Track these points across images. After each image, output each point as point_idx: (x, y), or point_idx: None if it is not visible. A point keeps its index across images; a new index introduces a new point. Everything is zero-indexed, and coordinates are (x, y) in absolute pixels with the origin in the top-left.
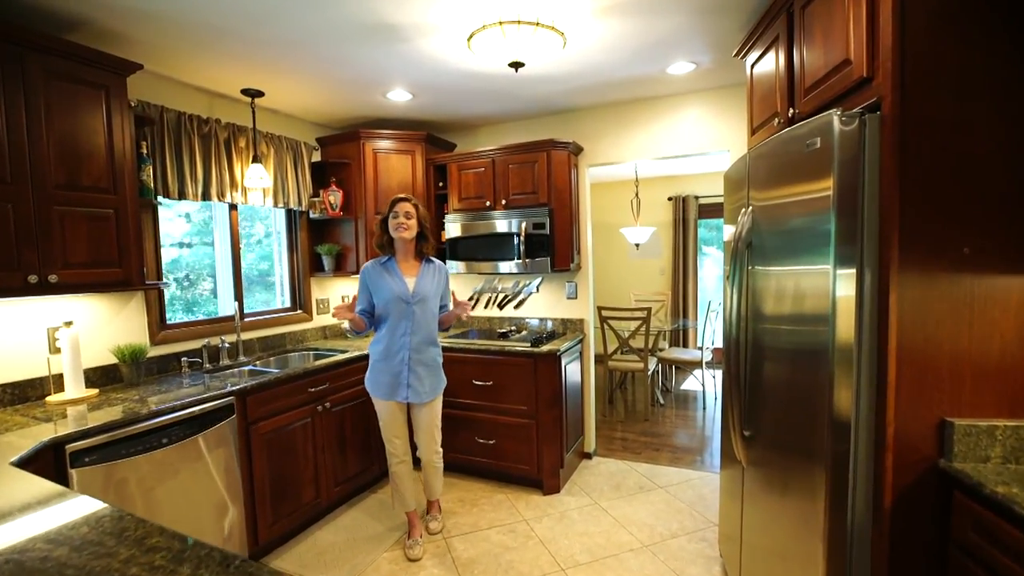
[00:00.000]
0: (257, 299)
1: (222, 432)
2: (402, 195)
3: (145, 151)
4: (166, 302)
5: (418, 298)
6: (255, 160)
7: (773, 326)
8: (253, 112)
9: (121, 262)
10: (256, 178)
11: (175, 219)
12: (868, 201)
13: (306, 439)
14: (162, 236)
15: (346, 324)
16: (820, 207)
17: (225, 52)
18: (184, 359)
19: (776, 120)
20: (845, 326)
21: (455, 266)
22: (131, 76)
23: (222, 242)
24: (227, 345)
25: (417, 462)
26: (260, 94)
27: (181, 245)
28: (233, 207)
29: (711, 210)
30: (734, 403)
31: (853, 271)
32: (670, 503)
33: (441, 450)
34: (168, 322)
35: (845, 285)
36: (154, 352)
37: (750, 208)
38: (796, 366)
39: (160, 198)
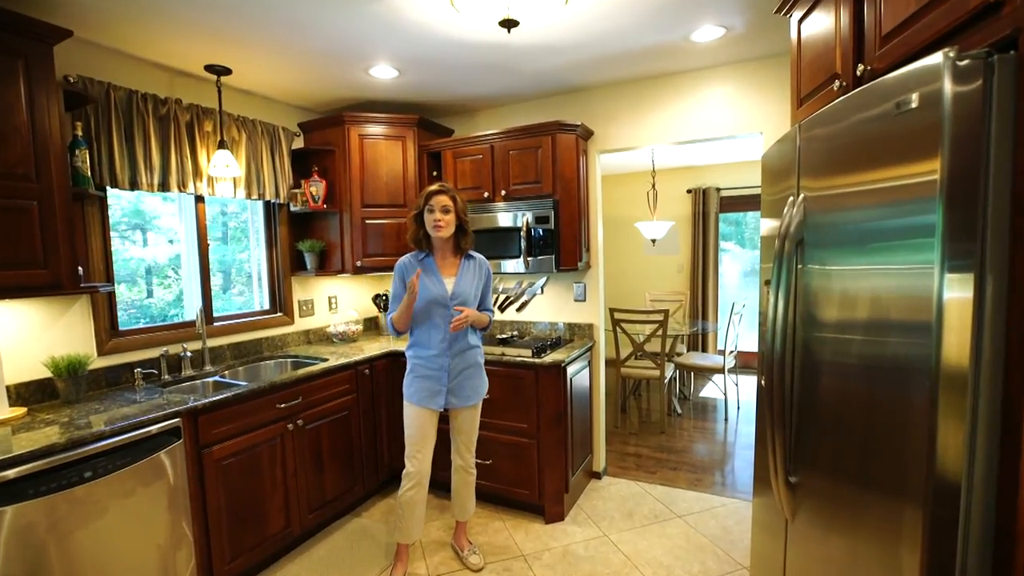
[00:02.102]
0: (249, 300)
1: (164, 460)
2: (437, 186)
3: (81, 133)
4: (146, 302)
5: (457, 300)
6: (221, 146)
7: (837, 335)
8: (219, 91)
9: (47, 262)
10: (222, 166)
11: (173, 215)
12: (996, 183)
13: (274, 462)
14: (156, 233)
15: (389, 319)
16: (919, 194)
17: (183, 20)
18: (138, 370)
19: (836, 84)
20: (955, 340)
21: None
22: (67, 47)
23: (188, 238)
24: (189, 354)
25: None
26: (227, 71)
27: (172, 242)
28: (200, 199)
29: (734, 203)
30: (776, 437)
31: (970, 275)
32: (690, 537)
33: (475, 463)
34: (124, 328)
35: (955, 290)
36: (103, 363)
37: (801, 198)
38: (873, 383)
39: (109, 188)
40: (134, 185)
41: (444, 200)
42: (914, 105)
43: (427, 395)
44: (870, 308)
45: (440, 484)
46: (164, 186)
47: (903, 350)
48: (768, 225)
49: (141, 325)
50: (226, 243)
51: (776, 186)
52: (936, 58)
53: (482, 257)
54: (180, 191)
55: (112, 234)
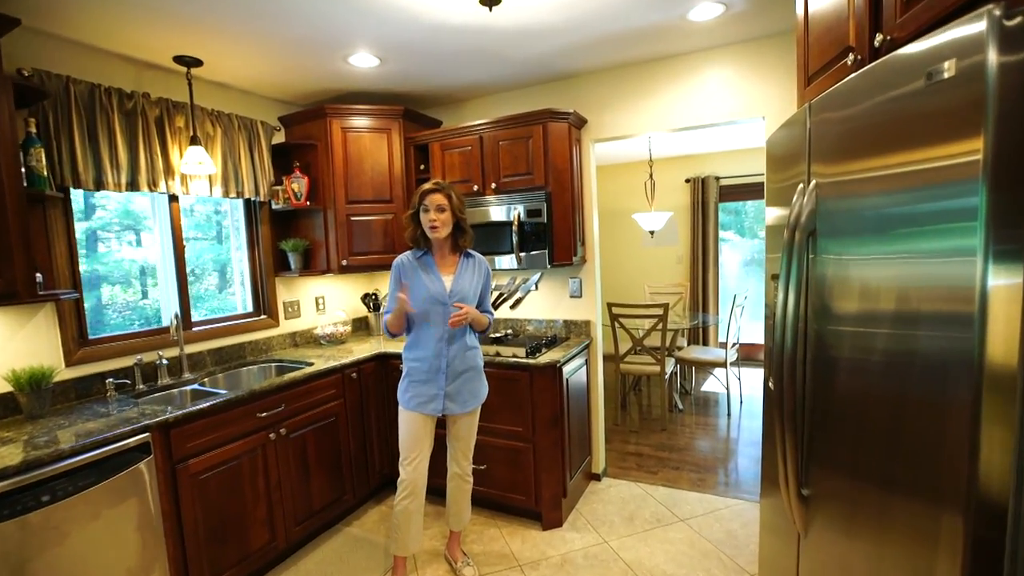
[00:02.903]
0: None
1: (132, 479)
2: (431, 184)
3: (36, 131)
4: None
5: (456, 299)
6: (194, 142)
7: (857, 328)
8: (189, 84)
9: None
10: (195, 163)
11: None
12: None
13: (255, 474)
14: (149, 233)
15: (383, 321)
16: (957, 176)
17: (147, 8)
18: (110, 380)
19: (850, 58)
20: (1002, 337)
21: None
22: (20, 38)
23: (162, 239)
24: (166, 362)
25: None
26: (197, 63)
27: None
28: (174, 199)
29: (733, 192)
30: (787, 446)
31: (1019, 264)
32: (694, 543)
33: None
34: (95, 336)
35: (1002, 277)
36: (71, 374)
37: (812, 185)
38: (902, 380)
39: (73, 189)
40: (99, 185)
41: (438, 199)
42: (948, 75)
43: (423, 400)
44: (896, 299)
45: (435, 490)
46: (133, 185)
47: (939, 344)
48: (774, 214)
49: (114, 332)
50: (220, 242)
51: (783, 173)
52: (977, 23)
53: (481, 256)
54: (151, 190)
55: (106, 235)
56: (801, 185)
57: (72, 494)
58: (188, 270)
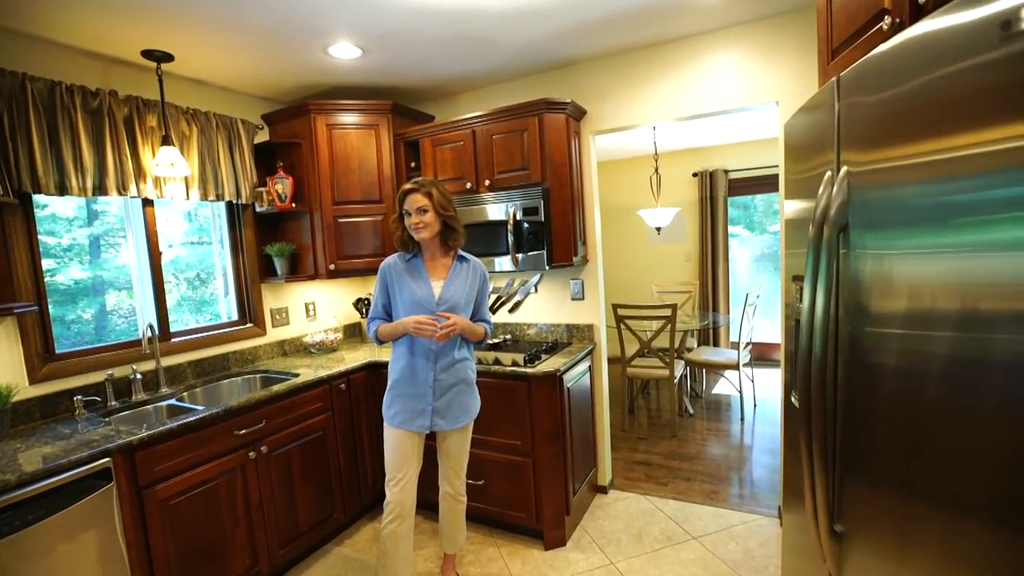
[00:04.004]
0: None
1: (92, 508)
2: (410, 184)
3: None
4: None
5: (445, 306)
6: (165, 142)
7: (907, 331)
8: (160, 80)
9: None
10: (167, 164)
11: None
12: None
13: (234, 496)
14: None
15: (372, 328)
16: None
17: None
18: (79, 398)
19: (886, 21)
20: None
21: None
22: None
23: (137, 246)
24: (140, 376)
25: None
26: (168, 57)
27: (171, 246)
28: (149, 203)
29: (743, 185)
30: (815, 472)
31: None
32: (708, 564)
33: (465, 489)
34: (62, 351)
35: None
36: (36, 391)
37: (843, 174)
38: (973, 387)
39: (35, 195)
40: (63, 189)
41: (418, 199)
42: None
43: (409, 416)
44: (961, 297)
45: (430, 505)
46: (100, 189)
47: (1018, 347)
48: (794, 207)
49: (84, 347)
50: (223, 247)
51: (804, 163)
52: None
53: (478, 261)
54: (120, 194)
55: (103, 241)
56: (828, 174)
57: (20, 529)
58: (193, 275)
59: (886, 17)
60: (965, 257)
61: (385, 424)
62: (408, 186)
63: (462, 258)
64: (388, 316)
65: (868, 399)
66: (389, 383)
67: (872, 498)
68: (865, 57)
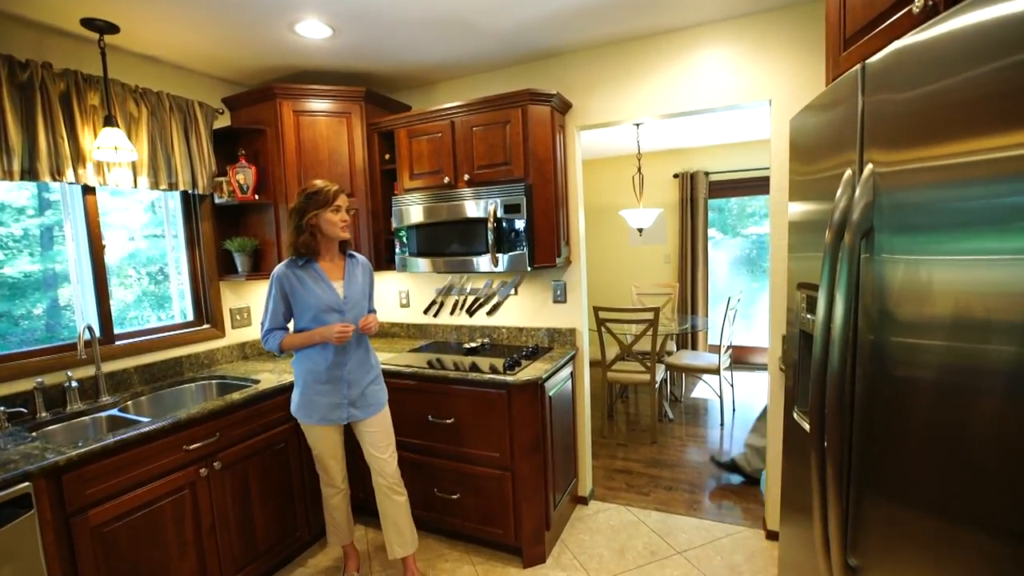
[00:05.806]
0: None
1: (9, 539)
2: (330, 183)
3: None
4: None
5: (350, 304)
6: (108, 123)
7: (949, 343)
8: (103, 53)
9: None
10: (110, 148)
11: (125, 210)
12: None
13: (182, 519)
14: (112, 231)
15: (276, 340)
16: None
17: None
18: (1, 410)
19: (916, 4)
20: None
21: (418, 264)
22: None
23: (76, 237)
24: (75, 384)
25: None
26: (113, 28)
27: (131, 239)
28: (90, 190)
29: (723, 188)
30: (828, 498)
31: None
32: None
33: (401, 480)
34: None
35: None
36: None
37: (867, 174)
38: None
39: None
40: None
41: (344, 199)
42: None
43: (326, 412)
44: (1018, 304)
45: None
46: (31, 174)
47: None
48: (800, 210)
49: (6, 351)
50: (178, 240)
51: (815, 164)
52: None
53: (363, 256)
54: (55, 179)
55: (57, 232)
56: (848, 174)
57: None
58: (156, 269)
59: (914, 1)
60: None
61: (303, 424)
62: (333, 186)
63: (351, 256)
64: (286, 326)
65: (896, 415)
66: (298, 383)
67: (898, 528)
68: (896, 47)
